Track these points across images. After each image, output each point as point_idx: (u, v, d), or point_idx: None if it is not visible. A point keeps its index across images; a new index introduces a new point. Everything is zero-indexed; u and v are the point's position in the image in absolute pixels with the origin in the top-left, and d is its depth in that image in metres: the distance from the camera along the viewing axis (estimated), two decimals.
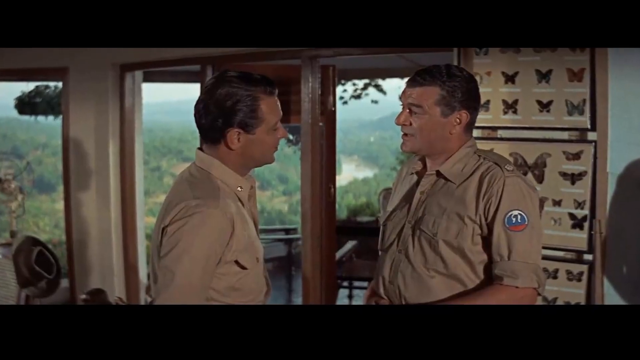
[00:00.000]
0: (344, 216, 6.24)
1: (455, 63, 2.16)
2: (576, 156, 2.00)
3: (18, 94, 4.02)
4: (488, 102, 2.14)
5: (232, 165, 1.26)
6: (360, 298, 3.95)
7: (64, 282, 3.14)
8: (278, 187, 10.44)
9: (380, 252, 1.45)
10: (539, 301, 1.33)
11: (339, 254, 3.67)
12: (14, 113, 4.15)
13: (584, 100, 1.97)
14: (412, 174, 1.43)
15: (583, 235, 1.99)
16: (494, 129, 2.15)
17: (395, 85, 5.53)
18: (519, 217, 1.26)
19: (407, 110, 1.34)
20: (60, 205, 4.31)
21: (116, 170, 3.21)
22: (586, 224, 1.98)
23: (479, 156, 1.35)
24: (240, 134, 1.23)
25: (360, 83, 5.84)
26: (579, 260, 2.01)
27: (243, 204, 1.28)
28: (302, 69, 2.68)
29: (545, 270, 1.92)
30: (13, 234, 2.71)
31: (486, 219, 1.29)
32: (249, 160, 1.28)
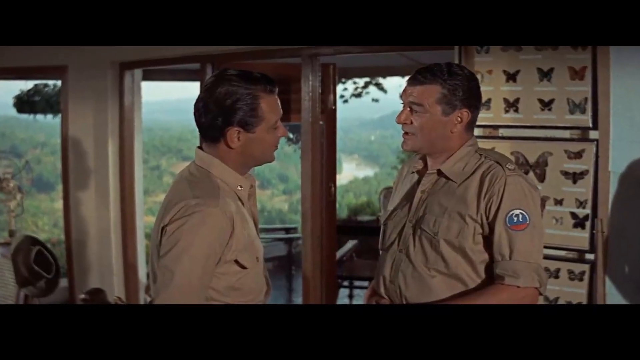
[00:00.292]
0: (344, 215, 6.24)
1: (457, 61, 2.16)
2: (578, 155, 1.99)
3: (17, 92, 4.01)
4: (489, 100, 2.14)
5: (232, 164, 1.26)
6: (360, 298, 3.95)
7: (63, 282, 3.14)
8: (278, 186, 10.44)
9: (380, 252, 1.45)
10: (541, 301, 1.32)
11: (339, 254, 3.66)
12: (13, 112, 4.14)
13: (586, 99, 1.97)
14: (413, 173, 1.42)
15: (585, 234, 1.98)
16: (495, 127, 2.14)
17: (396, 84, 5.53)
18: (520, 216, 1.26)
19: (408, 109, 1.34)
20: (59, 204, 4.31)
21: (115, 169, 3.20)
22: (588, 223, 1.98)
23: (480, 155, 1.35)
24: (240, 133, 1.23)
25: (361, 81, 5.84)
26: (581, 260, 2.00)
27: (243, 203, 1.28)
28: (303, 67, 2.67)
29: (546, 269, 1.91)
30: (12, 233, 2.71)
31: (487, 218, 1.28)
32: (249, 159, 1.27)
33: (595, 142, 1.96)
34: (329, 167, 2.97)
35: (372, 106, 6.30)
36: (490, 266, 1.30)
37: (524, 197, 1.28)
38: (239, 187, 1.27)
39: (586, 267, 1.98)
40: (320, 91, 2.71)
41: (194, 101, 1.27)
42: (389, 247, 1.40)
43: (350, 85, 5.90)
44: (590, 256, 1.98)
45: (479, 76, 2.04)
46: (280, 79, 1.39)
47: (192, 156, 1.30)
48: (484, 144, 1.54)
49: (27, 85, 3.98)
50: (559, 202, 2.03)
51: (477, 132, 1.90)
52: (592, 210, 1.96)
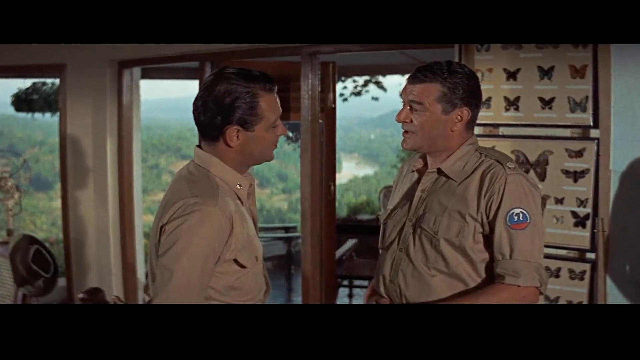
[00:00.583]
0: (344, 214, 6.25)
1: (457, 59, 2.15)
2: (578, 154, 1.99)
3: (15, 90, 4.00)
4: (489, 99, 2.13)
5: (231, 162, 1.25)
6: (360, 297, 3.95)
7: (61, 281, 3.14)
8: (277, 185, 10.44)
9: (380, 251, 1.44)
10: (541, 300, 1.32)
11: (339, 253, 3.66)
12: (11, 110, 4.14)
13: (587, 97, 1.96)
14: (413, 171, 1.42)
15: (585, 233, 1.98)
16: (496, 126, 2.13)
17: (395, 82, 5.53)
18: (520, 215, 1.25)
19: (408, 108, 1.33)
20: (57, 203, 4.30)
21: (114, 168, 3.20)
22: (589, 222, 1.97)
23: (481, 154, 1.35)
24: (240, 132, 1.22)
25: (361, 80, 5.83)
26: (582, 259, 2.00)
27: (242, 202, 1.27)
28: (302, 66, 2.67)
29: (547, 269, 1.91)
30: (10, 232, 2.70)
31: (487, 217, 1.28)
32: (248, 157, 1.27)
33: (596, 141, 1.95)
34: (329, 166, 2.96)
35: (372, 105, 6.30)
36: (490, 265, 1.29)
37: (524, 196, 1.27)
38: (238, 186, 1.26)
39: (587, 267, 1.98)
40: (319, 89, 2.70)
41: (193, 99, 1.26)
42: (388, 246, 1.39)
43: (350, 83, 5.89)
44: (591, 255, 1.97)
45: (479, 74, 2.04)
46: (279, 77, 1.39)
47: (191, 155, 1.30)
48: (484, 143, 1.53)
49: (25, 83, 3.97)
50: (559, 201, 2.03)
51: (477, 130, 1.90)
52: (593, 209, 1.96)
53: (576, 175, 1.99)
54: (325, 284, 2.83)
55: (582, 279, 1.99)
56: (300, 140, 2.80)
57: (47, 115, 4.02)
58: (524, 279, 1.24)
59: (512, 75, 2.10)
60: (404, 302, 1.34)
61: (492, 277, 1.28)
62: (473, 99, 1.33)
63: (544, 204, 2.00)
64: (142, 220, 3.39)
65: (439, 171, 1.35)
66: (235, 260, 1.21)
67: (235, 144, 1.23)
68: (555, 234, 2.01)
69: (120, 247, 3.23)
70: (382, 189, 5.32)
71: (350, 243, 4.05)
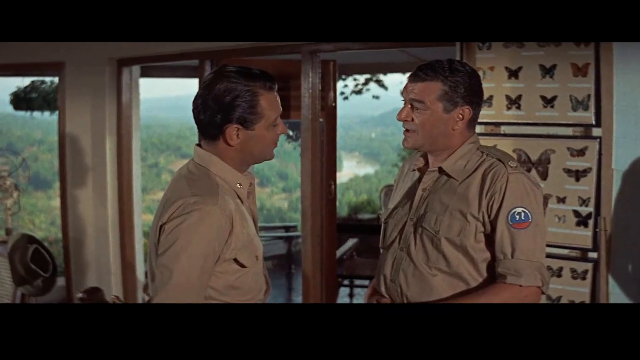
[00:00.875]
0: (344, 213, 6.24)
1: (458, 58, 2.14)
2: (581, 152, 1.98)
3: (13, 89, 4.00)
4: (491, 97, 2.12)
5: (231, 161, 1.25)
6: (361, 297, 3.94)
7: (60, 281, 3.13)
8: (278, 184, 10.44)
9: (381, 250, 1.44)
10: (543, 300, 1.31)
11: (339, 252, 3.66)
12: (9, 109, 4.13)
13: (589, 96, 1.95)
14: (414, 170, 1.41)
15: (588, 232, 1.97)
16: (497, 124, 2.13)
17: (396, 81, 5.54)
18: (522, 214, 1.25)
19: (409, 106, 1.33)
20: (56, 202, 4.30)
21: (113, 167, 3.19)
22: (591, 222, 1.96)
23: (482, 152, 1.34)
24: (240, 130, 1.22)
25: (361, 78, 5.83)
26: (584, 259, 1.99)
27: (242, 201, 1.27)
28: (302, 64, 2.66)
29: (549, 268, 1.91)
30: (8, 232, 2.69)
31: (489, 217, 1.27)
32: (248, 156, 1.26)
33: (598, 140, 1.95)
34: (329, 165, 2.95)
35: (373, 103, 6.29)
36: (492, 265, 1.29)
37: (526, 195, 1.27)
38: (238, 185, 1.26)
39: (589, 266, 1.97)
40: (320, 88, 2.70)
41: (193, 98, 1.26)
42: (389, 246, 1.39)
43: (350, 82, 5.89)
44: (593, 255, 1.97)
45: (480, 73, 2.04)
46: (280, 76, 1.39)
47: (191, 154, 1.30)
48: (485, 142, 1.53)
49: (24, 82, 3.97)
50: (561, 200, 2.02)
51: (478, 129, 1.89)
52: (595, 209, 1.95)
53: (578, 174, 1.99)
54: (325, 283, 2.82)
55: (584, 278, 1.98)
56: (301, 139, 2.79)
57: (46, 113, 4.01)
58: (525, 278, 1.23)
59: (513, 74, 2.09)
60: (405, 301, 1.33)
61: (493, 276, 1.28)
62: (474, 97, 1.33)
63: (546, 203, 1.99)
64: (142, 219, 3.39)
65: (440, 170, 1.35)
66: (235, 260, 1.21)
67: (235, 143, 1.22)
68: (557, 233, 2.00)
69: (119, 246, 3.22)
70: (383, 188, 5.32)
71: (351, 242, 4.05)
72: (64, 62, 3.20)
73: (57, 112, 3.41)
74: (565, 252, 2.01)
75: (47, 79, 3.96)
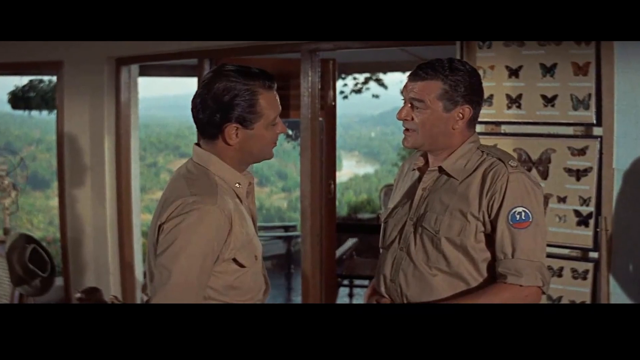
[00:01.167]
0: (344, 213, 6.24)
1: (458, 57, 2.14)
2: (581, 152, 1.97)
3: (11, 88, 3.99)
4: (491, 96, 2.11)
5: (230, 161, 1.24)
6: (360, 297, 3.94)
7: (59, 281, 3.11)
8: (277, 183, 10.43)
9: (381, 250, 1.43)
10: (544, 300, 1.31)
11: (339, 252, 3.65)
12: (7, 108, 4.13)
13: (590, 95, 1.95)
14: (414, 170, 1.41)
15: (588, 232, 1.97)
16: (498, 124, 2.12)
17: (396, 80, 5.53)
18: (523, 214, 1.24)
19: (409, 105, 1.32)
20: (54, 202, 4.29)
21: (112, 167, 3.18)
22: (592, 221, 1.96)
23: (482, 152, 1.34)
24: (239, 129, 1.21)
25: (361, 77, 5.81)
26: (585, 258, 1.98)
27: (241, 201, 1.26)
28: (302, 63, 2.65)
29: (549, 268, 1.90)
30: (6, 232, 2.68)
31: (489, 216, 1.27)
32: (247, 156, 1.26)
33: (599, 139, 1.94)
34: (329, 164, 2.95)
35: (373, 102, 6.29)
36: (492, 265, 1.28)
37: (526, 195, 1.26)
38: (237, 185, 1.26)
39: (590, 266, 1.97)
40: (319, 87, 2.69)
41: (192, 97, 1.25)
42: (389, 246, 1.38)
43: (350, 81, 5.88)
44: (594, 254, 1.96)
45: (481, 72, 2.03)
46: (279, 75, 1.38)
47: (190, 153, 1.29)
48: (486, 141, 1.52)
49: (22, 81, 3.96)
50: (562, 200, 2.01)
51: (479, 128, 1.88)
52: (596, 208, 1.95)
53: (579, 174, 1.98)
54: (325, 283, 2.82)
55: (584, 278, 1.98)
56: (300, 138, 2.78)
57: (44, 113, 4.01)
58: (526, 278, 1.23)
59: (514, 73, 2.08)
60: (405, 301, 1.33)
61: (494, 276, 1.28)
62: (475, 96, 1.33)
63: (546, 203, 1.99)
64: (140, 219, 3.38)
65: (440, 169, 1.34)
66: (235, 260, 1.20)
67: (234, 142, 1.22)
68: (557, 232, 2.00)
69: (118, 246, 3.21)
70: (383, 187, 5.32)
71: (350, 242, 4.05)
72: (62, 61, 3.19)
73: (55, 111, 3.40)
74: (565, 252, 2.00)
75: (46, 77, 3.96)
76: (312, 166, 2.70)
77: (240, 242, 1.20)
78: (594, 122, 1.95)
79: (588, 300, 1.97)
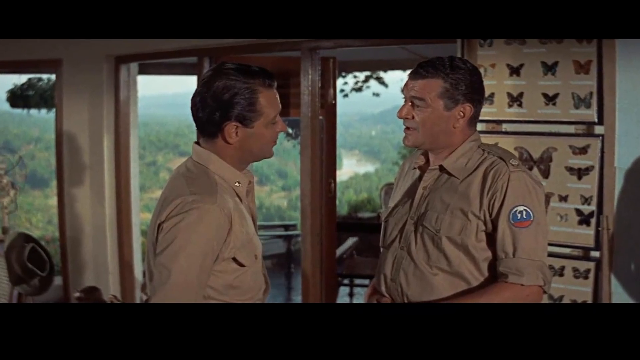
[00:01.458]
0: (344, 212, 6.24)
1: (459, 55, 2.13)
2: (583, 150, 1.97)
3: (10, 86, 3.99)
4: (492, 95, 2.11)
5: (230, 159, 1.24)
6: (361, 296, 3.94)
7: (57, 280, 3.11)
8: (277, 182, 10.42)
9: (381, 249, 1.43)
10: (545, 299, 1.31)
11: (339, 251, 3.65)
12: (6, 106, 4.12)
13: (591, 93, 1.94)
14: (415, 168, 1.41)
15: (590, 231, 1.96)
16: (499, 122, 2.12)
17: (397, 78, 5.52)
18: (524, 213, 1.24)
19: (410, 104, 1.32)
20: (53, 200, 4.28)
21: (111, 165, 3.18)
22: (593, 220, 1.96)
23: (483, 150, 1.34)
24: (239, 128, 1.21)
25: (362, 75, 5.80)
26: (586, 258, 1.98)
27: (241, 200, 1.26)
28: (302, 61, 2.65)
29: (551, 267, 1.90)
30: (5, 231, 2.67)
31: (490, 215, 1.27)
32: (247, 154, 1.26)
33: (600, 138, 1.94)
34: (329, 163, 2.94)
35: (373, 101, 6.27)
36: (493, 264, 1.28)
37: (527, 194, 1.26)
38: (237, 184, 1.25)
39: (591, 265, 1.96)
40: (320, 85, 2.68)
41: (191, 95, 1.25)
42: (390, 245, 1.38)
43: (350, 79, 5.86)
44: (595, 254, 1.96)
45: (482, 70, 2.03)
46: (279, 73, 1.38)
47: (189, 152, 1.29)
48: (487, 139, 1.52)
49: (21, 79, 3.96)
50: (563, 199, 2.01)
51: (480, 127, 1.86)
52: (598, 207, 1.94)
53: (580, 173, 1.98)
54: (325, 282, 2.82)
55: (586, 277, 1.97)
56: (300, 137, 2.78)
57: (43, 111, 4.01)
58: (527, 277, 1.23)
59: (515, 71, 2.08)
60: (406, 301, 1.33)
61: (495, 275, 1.27)
62: (476, 95, 1.32)
63: (548, 202, 1.98)
64: (140, 218, 3.37)
65: (441, 168, 1.34)
66: (234, 259, 1.20)
67: (234, 141, 1.22)
68: (559, 232, 1.99)
69: (117, 245, 3.21)
70: (383, 186, 5.31)
71: (350, 241, 4.04)
72: (61, 59, 3.19)
73: (54, 110, 3.39)
74: (567, 251, 2.00)
75: (44, 76, 3.95)
76: (312, 165, 2.69)
77: (240, 241, 1.20)
78: (596, 120, 1.94)
79: (589, 300, 1.96)
